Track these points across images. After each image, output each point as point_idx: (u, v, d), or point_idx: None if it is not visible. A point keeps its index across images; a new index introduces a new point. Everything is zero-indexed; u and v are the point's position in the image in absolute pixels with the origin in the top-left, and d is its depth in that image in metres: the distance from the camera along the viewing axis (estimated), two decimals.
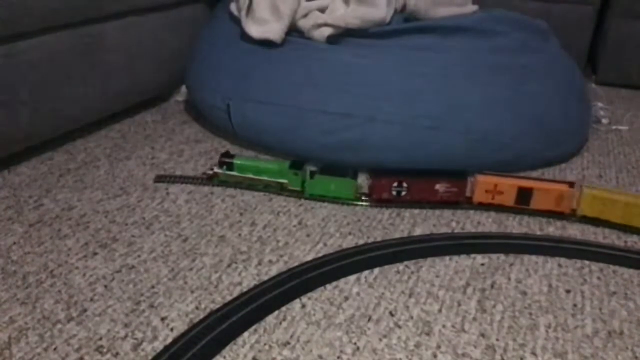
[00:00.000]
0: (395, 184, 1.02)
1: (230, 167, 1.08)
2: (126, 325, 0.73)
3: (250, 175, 1.07)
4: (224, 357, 0.68)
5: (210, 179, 1.09)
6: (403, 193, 1.02)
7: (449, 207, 1.03)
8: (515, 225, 1.00)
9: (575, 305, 0.80)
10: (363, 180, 1.08)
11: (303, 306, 0.77)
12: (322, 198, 1.05)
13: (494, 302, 0.80)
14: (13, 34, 1.03)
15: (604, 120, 1.49)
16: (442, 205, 1.03)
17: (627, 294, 0.83)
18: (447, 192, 1.02)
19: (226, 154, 1.09)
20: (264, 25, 1.19)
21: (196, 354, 0.68)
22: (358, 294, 0.80)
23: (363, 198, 1.05)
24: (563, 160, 1.24)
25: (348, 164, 1.07)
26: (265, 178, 1.06)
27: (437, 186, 1.01)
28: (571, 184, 1.00)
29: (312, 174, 1.04)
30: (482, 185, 1.01)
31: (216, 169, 1.08)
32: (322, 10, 1.21)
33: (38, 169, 1.12)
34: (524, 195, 1.00)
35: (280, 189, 1.06)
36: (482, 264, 0.88)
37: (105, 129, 1.33)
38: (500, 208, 1.02)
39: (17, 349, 0.68)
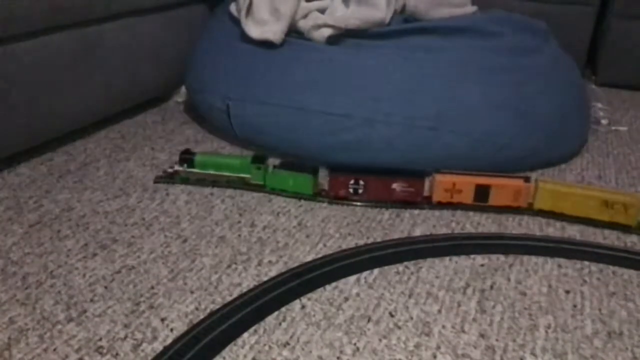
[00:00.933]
0: (352, 182, 1.03)
1: (191, 164, 1.07)
2: (126, 326, 0.72)
3: (212, 172, 1.07)
4: (224, 357, 0.68)
5: (171, 177, 1.09)
6: (360, 191, 1.03)
7: (407, 207, 1.03)
8: (515, 226, 1.00)
9: (575, 305, 0.80)
10: (324, 176, 1.07)
11: (303, 307, 0.77)
12: (284, 192, 1.06)
13: (494, 303, 0.80)
14: (13, 34, 1.03)
15: (604, 121, 1.49)
16: (401, 205, 1.03)
17: (626, 294, 0.83)
18: (404, 191, 1.02)
19: (186, 151, 1.09)
20: (264, 26, 1.19)
21: (196, 354, 0.68)
22: (358, 294, 0.80)
23: (323, 194, 1.05)
24: (563, 161, 1.25)
25: (348, 165, 1.07)
26: (227, 173, 1.07)
27: (394, 185, 1.02)
28: (526, 179, 1.01)
29: (272, 168, 1.05)
30: (440, 184, 1.02)
31: (177, 167, 1.08)
32: (322, 11, 1.21)
33: (38, 169, 1.12)
34: (482, 192, 1.01)
35: (243, 184, 1.07)
36: (482, 265, 0.88)
37: (105, 129, 1.33)
38: (459, 206, 1.03)
39: (17, 350, 0.68)
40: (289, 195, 1.05)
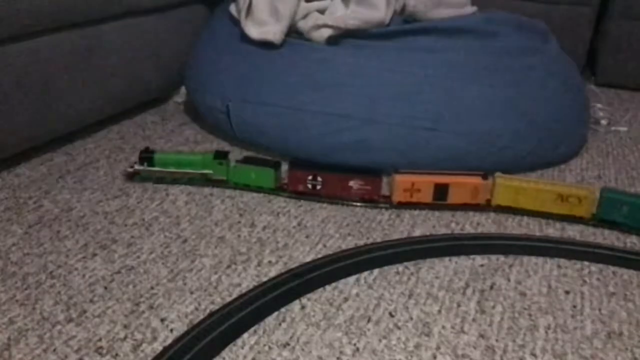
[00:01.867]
0: (310, 177, 1.03)
1: (150, 162, 1.07)
2: (126, 327, 0.72)
3: (173, 169, 1.07)
4: (224, 358, 0.68)
5: (131, 177, 1.09)
6: (318, 187, 1.04)
7: (366, 206, 1.04)
8: (514, 226, 1.00)
9: (574, 306, 0.80)
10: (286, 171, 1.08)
11: (303, 307, 0.77)
12: (246, 187, 1.07)
13: (494, 303, 0.80)
14: (12, 35, 1.03)
15: (603, 122, 1.49)
16: (360, 202, 1.04)
17: (626, 295, 0.83)
18: (360, 189, 1.03)
19: (146, 150, 1.09)
20: (264, 26, 1.19)
21: (196, 355, 0.68)
22: (357, 295, 0.80)
23: (284, 189, 1.06)
24: (562, 162, 1.25)
25: (348, 165, 1.07)
26: (189, 170, 1.07)
27: (351, 183, 1.02)
28: (484, 176, 1.02)
29: (234, 163, 1.06)
30: (400, 184, 1.02)
31: (136, 167, 1.08)
32: (322, 11, 1.21)
33: (37, 170, 1.12)
34: (440, 191, 1.01)
35: (205, 180, 1.07)
36: (482, 265, 0.88)
37: (105, 130, 1.33)
38: (418, 206, 1.03)
39: (17, 351, 0.68)
40: (288, 195, 1.05)
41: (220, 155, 1.07)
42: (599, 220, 1.00)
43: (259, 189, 1.06)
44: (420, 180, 1.01)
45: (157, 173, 1.08)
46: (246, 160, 1.08)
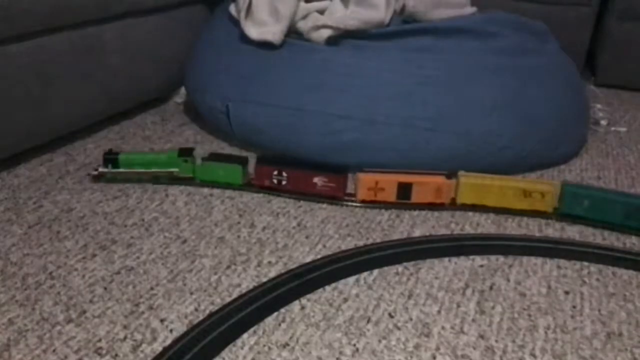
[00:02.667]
0: (275, 173, 1.04)
1: (115, 163, 1.07)
2: (125, 327, 0.72)
3: (139, 169, 1.07)
4: (223, 358, 0.68)
5: (96, 179, 1.08)
6: (283, 182, 1.05)
7: (331, 203, 1.04)
8: (514, 226, 1.00)
9: (574, 306, 0.80)
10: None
11: (302, 308, 0.77)
12: (213, 184, 1.07)
13: (493, 304, 0.80)
14: (12, 35, 1.03)
15: (603, 122, 1.49)
16: (324, 199, 1.04)
17: (626, 295, 0.83)
18: (325, 186, 1.03)
19: (110, 152, 1.09)
20: (263, 26, 1.19)
21: (195, 355, 0.68)
22: (357, 295, 0.80)
23: (252, 184, 1.07)
24: (562, 162, 1.25)
25: (347, 165, 1.07)
26: (155, 170, 1.07)
27: (316, 179, 1.03)
28: (448, 175, 1.02)
29: (201, 160, 1.06)
30: (363, 183, 1.02)
31: (101, 169, 1.08)
32: (322, 11, 1.21)
33: (37, 170, 1.12)
34: (404, 190, 1.02)
35: (171, 179, 1.07)
36: (481, 266, 0.88)
37: (105, 130, 1.33)
38: (383, 205, 1.03)
39: (17, 351, 0.68)
40: (287, 196, 1.05)
41: (185, 153, 1.07)
42: (561, 215, 1.01)
43: (226, 185, 1.07)
44: (384, 179, 1.02)
45: (122, 174, 1.08)
46: (213, 157, 1.08)
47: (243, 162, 1.07)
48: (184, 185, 1.08)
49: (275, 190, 1.06)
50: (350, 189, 1.06)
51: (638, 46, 1.77)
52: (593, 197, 0.98)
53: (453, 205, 1.03)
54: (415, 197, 1.02)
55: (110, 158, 1.08)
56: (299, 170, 1.04)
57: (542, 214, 1.01)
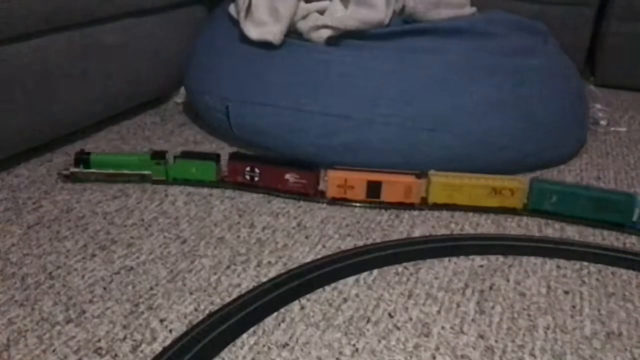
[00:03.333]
0: (248, 169, 1.05)
1: (87, 164, 1.07)
2: (125, 327, 0.72)
3: (111, 171, 1.07)
4: (223, 358, 0.68)
5: (67, 179, 1.08)
6: (256, 178, 1.05)
7: (301, 199, 1.05)
8: (513, 226, 1.00)
9: (574, 306, 0.80)
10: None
11: (302, 308, 0.77)
12: (186, 182, 1.08)
13: (493, 304, 0.80)
14: (12, 35, 1.03)
15: (603, 122, 1.49)
16: (295, 196, 1.05)
17: (625, 295, 0.83)
18: (296, 182, 1.04)
19: (81, 152, 1.09)
20: (263, 27, 1.19)
21: (195, 355, 0.68)
22: (357, 295, 0.80)
23: (225, 181, 1.08)
24: (562, 162, 1.25)
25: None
26: (127, 171, 1.07)
27: (287, 176, 1.04)
28: (418, 175, 1.03)
29: (174, 158, 1.07)
30: (333, 180, 1.03)
31: (72, 169, 1.07)
32: (321, 12, 1.21)
33: (37, 170, 1.12)
34: (373, 188, 1.02)
35: (142, 181, 1.07)
36: (481, 266, 0.88)
37: (104, 130, 1.33)
38: (352, 202, 1.04)
39: (16, 351, 0.68)
40: (286, 196, 1.05)
41: (158, 156, 1.07)
42: (530, 210, 1.02)
43: (199, 183, 1.07)
44: (353, 177, 1.02)
45: (93, 175, 1.07)
46: (186, 155, 1.08)
47: (216, 158, 1.07)
48: (155, 184, 1.08)
49: (248, 186, 1.07)
50: (323, 186, 1.06)
51: (638, 46, 1.77)
52: (561, 193, 1.00)
53: (424, 205, 1.03)
54: (385, 196, 1.03)
55: (82, 158, 1.07)
56: (271, 167, 1.05)
57: (512, 211, 1.02)
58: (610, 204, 0.98)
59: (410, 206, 1.03)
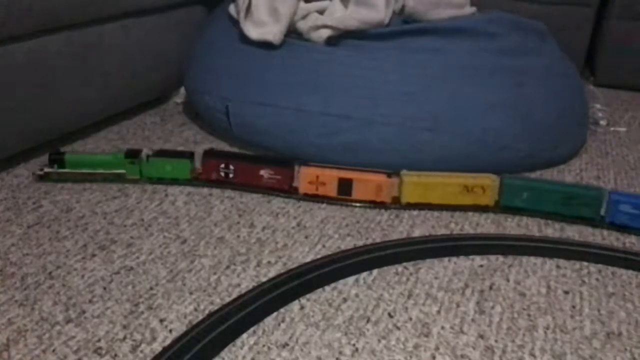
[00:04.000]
0: (222, 166, 1.06)
1: (61, 164, 1.07)
2: (125, 327, 0.72)
3: (85, 170, 1.07)
4: (223, 358, 0.68)
5: (41, 178, 1.07)
6: (231, 175, 1.06)
7: (277, 195, 1.05)
8: (513, 226, 1.00)
9: (573, 306, 0.80)
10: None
11: (302, 307, 0.77)
12: (160, 180, 1.08)
13: (493, 304, 0.80)
14: (11, 35, 1.03)
15: (602, 122, 1.49)
16: (271, 192, 1.06)
17: (625, 295, 0.83)
18: (271, 178, 1.04)
19: (56, 152, 1.08)
20: (263, 27, 1.19)
21: (195, 355, 0.68)
22: (357, 295, 0.80)
23: (200, 178, 1.08)
24: (562, 162, 1.25)
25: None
26: (102, 171, 1.07)
27: (262, 172, 1.04)
28: (389, 174, 1.03)
29: (147, 157, 1.07)
30: (305, 176, 1.03)
31: (46, 169, 1.07)
32: (321, 12, 1.21)
33: (37, 170, 1.12)
34: (344, 186, 1.02)
35: (117, 180, 1.07)
36: (481, 266, 0.88)
37: (104, 130, 1.33)
38: (324, 199, 1.04)
39: (16, 351, 0.68)
40: (285, 196, 1.05)
41: (132, 154, 1.07)
42: (502, 207, 1.03)
43: (174, 181, 1.08)
44: (324, 174, 1.03)
45: (68, 175, 1.07)
46: (160, 153, 1.09)
47: (190, 156, 1.08)
48: (130, 184, 1.08)
49: (223, 183, 1.07)
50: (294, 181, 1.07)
51: (638, 46, 1.77)
52: (531, 189, 1.01)
53: (398, 204, 1.03)
54: (356, 194, 1.03)
55: (57, 158, 1.07)
56: (245, 163, 1.06)
57: (484, 208, 1.03)
58: (580, 199, 0.99)
59: (381, 205, 1.03)
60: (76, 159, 1.08)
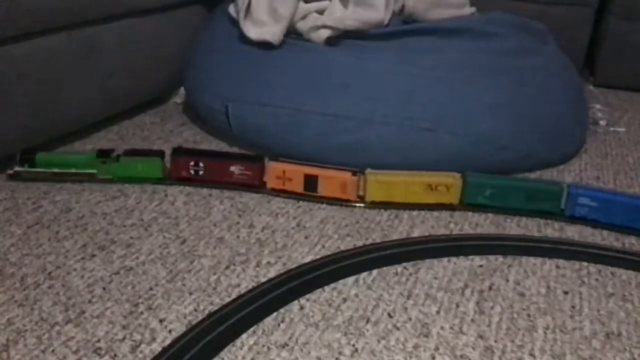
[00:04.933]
0: (192, 164, 1.06)
1: (32, 163, 1.06)
2: (124, 327, 0.72)
3: (57, 170, 1.06)
4: (223, 358, 0.68)
5: (12, 178, 1.07)
6: (201, 172, 1.06)
7: (246, 190, 1.06)
8: (513, 226, 1.00)
9: (573, 306, 0.80)
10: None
11: (301, 308, 0.77)
12: (130, 180, 1.08)
13: (492, 304, 0.80)
14: (10, 35, 1.03)
15: (602, 122, 1.49)
16: (241, 187, 1.06)
17: (625, 295, 0.83)
18: (242, 174, 1.05)
19: (27, 150, 1.07)
20: (263, 27, 1.19)
21: (194, 355, 0.68)
22: (356, 295, 0.80)
23: (170, 177, 1.08)
24: (561, 162, 1.25)
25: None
26: (74, 170, 1.06)
27: (232, 168, 1.05)
28: (354, 172, 1.03)
29: (117, 157, 1.07)
30: (272, 171, 1.04)
31: (17, 168, 1.06)
32: (321, 12, 1.21)
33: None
34: (310, 182, 1.03)
35: (88, 180, 1.07)
36: (480, 266, 0.88)
37: (104, 130, 1.32)
38: (291, 194, 1.05)
39: (15, 351, 0.68)
40: (285, 196, 1.05)
41: (104, 154, 1.07)
42: (466, 205, 1.03)
43: (144, 180, 1.07)
44: (291, 169, 1.04)
45: (39, 174, 1.06)
46: (130, 153, 1.08)
47: (161, 155, 1.08)
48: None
49: (193, 181, 1.07)
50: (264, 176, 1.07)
51: (637, 46, 1.77)
52: (494, 186, 1.02)
53: (362, 202, 1.04)
54: (322, 191, 1.03)
55: (27, 157, 1.06)
56: (215, 160, 1.06)
57: (449, 207, 1.03)
58: (541, 194, 1.01)
59: (346, 202, 1.03)
60: (47, 158, 1.07)
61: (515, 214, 1.02)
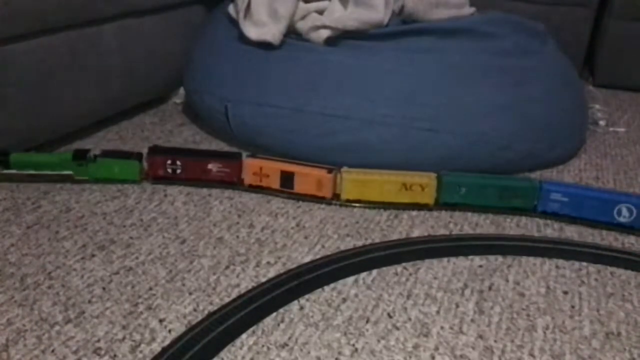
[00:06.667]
0: (169, 162, 1.06)
1: (6, 164, 1.05)
2: (124, 327, 0.72)
3: (32, 171, 1.05)
4: (222, 358, 0.68)
5: None
6: (178, 171, 1.06)
7: (224, 187, 1.07)
8: (513, 227, 1.00)
9: (573, 306, 0.80)
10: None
11: (301, 308, 0.77)
12: (107, 180, 1.07)
13: (492, 304, 0.80)
14: (10, 35, 1.03)
15: (602, 122, 1.49)
16: (219, 185, 1.07)
17: (624, 295, 0.83)
18: (220, 172, 1.05)
19: (1, 152, 1.05)
20: (262, 27, 1.19)
21: (194, 355, 0.68)
22: (356, 295, 0.80)
23: (147, 177, 1.08)
24: (561, 162, 1.25)
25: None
26: (49, 172, 1.05)
27: (210, 166, 1.05)
28: (330, 170, 1.04)
29: (94, 157, 1.06)
30: (249, 167, 1.05)
31: None
32: (321, 12, 1.21)
33: None
34: (286, 178, 1.04)
35: (64, 181, 1.06)
36: (480, 266, 0.88)
37: (103, 130, 1.32)
38: (268, 191, 1.05)
39: (15, 351, 0.68)
40: (285, 196, 1.05)
41: (79, 156, 1.05)
42: (442, 204, 1.03)
43: (121, 182, 1.07)
44: (267, 166, 1.04)
45: (13, 176, 1.05)
46: (107, 154, 1.08)
47: (139, 157, 1.07)
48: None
49: (171, 179, 1.07)
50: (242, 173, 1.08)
51: (637, 46, 1.77)
52: (468, 184, 1.02)
53: (338, 200, 1.04)
54: (298, 188, 1.04)
55: (1, 158, 1.04)
56: (192, 158, 1.06)
57: (425, 206, 1.03)
58: (514, 191, 1.02)
59: (322, 199, 1.04)
60: (22, 159, 1.05)
61: (489, 211, 1.03)
